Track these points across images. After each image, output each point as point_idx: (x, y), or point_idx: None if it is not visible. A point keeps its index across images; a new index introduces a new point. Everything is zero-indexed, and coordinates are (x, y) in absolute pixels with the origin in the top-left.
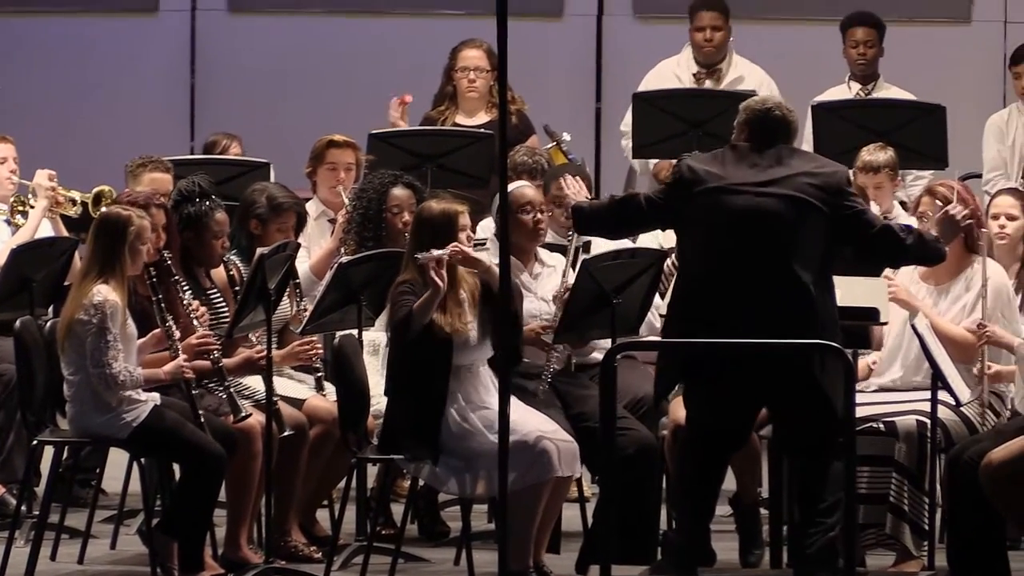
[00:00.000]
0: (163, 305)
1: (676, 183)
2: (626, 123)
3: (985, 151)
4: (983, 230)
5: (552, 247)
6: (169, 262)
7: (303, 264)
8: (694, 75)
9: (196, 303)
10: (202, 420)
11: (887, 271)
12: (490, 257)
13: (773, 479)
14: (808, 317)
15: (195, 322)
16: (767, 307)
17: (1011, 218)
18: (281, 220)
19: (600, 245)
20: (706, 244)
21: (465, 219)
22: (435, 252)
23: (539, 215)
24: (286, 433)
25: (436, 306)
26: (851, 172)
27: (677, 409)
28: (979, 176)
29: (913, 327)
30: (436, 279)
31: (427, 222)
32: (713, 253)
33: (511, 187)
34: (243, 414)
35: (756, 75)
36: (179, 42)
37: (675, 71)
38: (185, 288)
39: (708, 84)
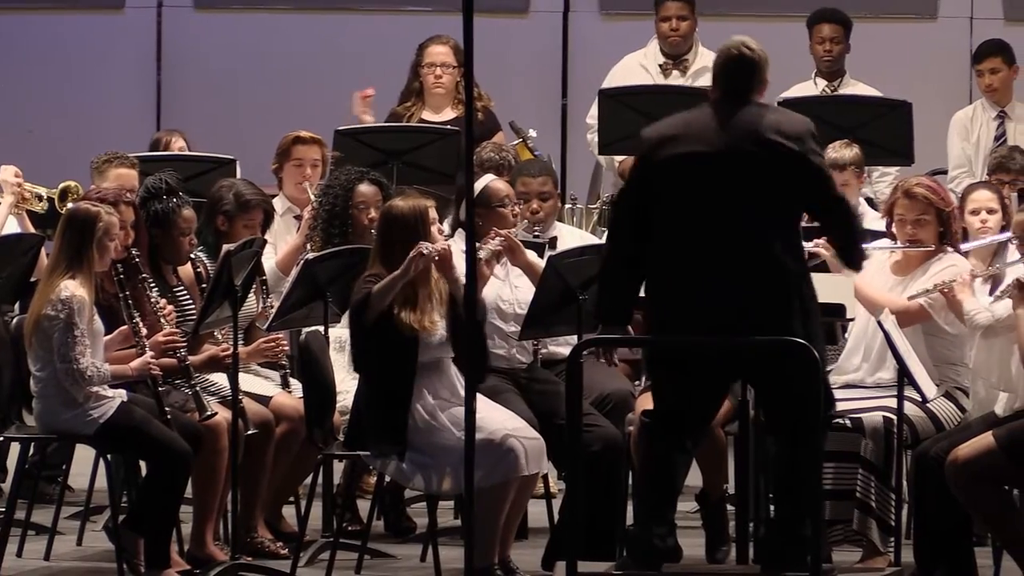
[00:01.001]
0: (130, 302)
1: (641, 156)
2: (592, 115)
3: (950, 148)
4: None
5: None
6: (137, 260)
7: (269, 260)
8: (660, 66)
9: (163, 301)
10: (169, 417)
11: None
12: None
13: (739, 475)
14: (784, 285)
15: (162, 320)
16: (743, 277)
17: (991, 212)
18: (248, 217)
19: (567, 242)
20: (677, 214)
21: (433, 213)
22: (425, 245)
23: (515, 207)
24: (250, 432)
25: (400, 301)
26: None
27: (644, 404)
28: (944, 172)
29: (879, 323)
30: (412, 267)
31: (397, 220)
32: (684, 222)
33: (482, 181)
34: (208, 412)
35: None
36: (145, 39)
37: (641, 62)
38: (152, 286)
39: (675, 74)
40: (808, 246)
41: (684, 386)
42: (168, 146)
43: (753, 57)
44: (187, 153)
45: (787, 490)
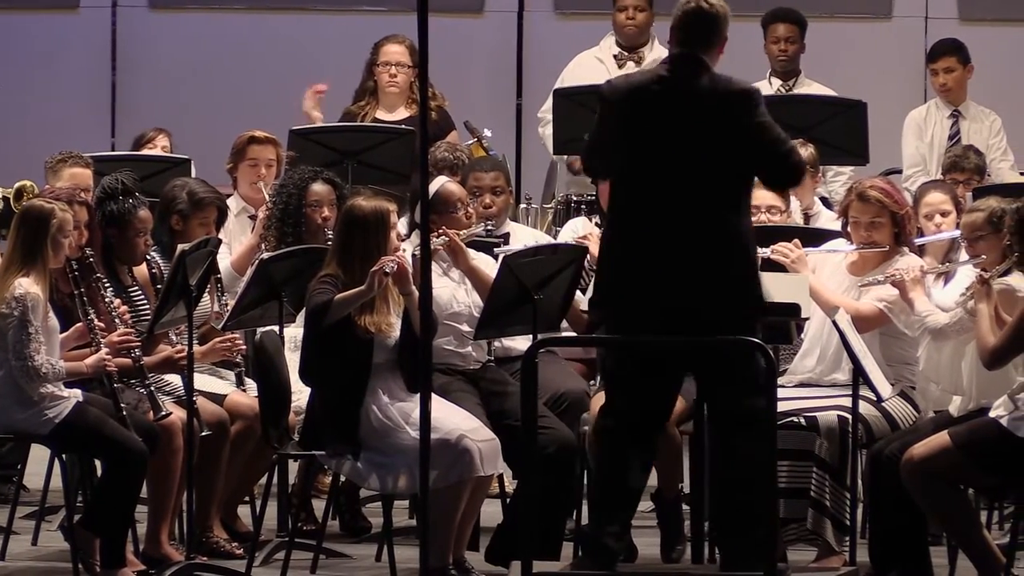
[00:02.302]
0: (85, 299)
1: (605, 112)
2: (544, 108)
3: (904, 147)
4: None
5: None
6: (91, 259)
7: (224, 260)
8: (615, 56)
9: (118, 301)
10: (124, 415)
11: (812, 263)
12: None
13: (695, 474)
14: (741, 257)
15: (116, 320)
16: (699, 263)
17: (944, 214)
18: (203, 215)
19: (519, 239)
20: (637, 186)
21: (395, 217)
22: (387, 260)
23: (469, 209)
24: (204, 433)
25: (358, 306)
26: None
27: (599, 404)
28: (899, 172)
29: (834, 323)
30: (376, 284)
31: (358, 221)
32: (640, 195)
33: (436, 184)
34: (164, 412)
35: None
36: (100, 38)
37: (596, 55)
38: (107, 285)
39: (630, 65)
40: (764, 252)
41: (639, 383)
42: (148, 143)
43: (712, 11)
44: (140, 153)
45: (740, 489)
